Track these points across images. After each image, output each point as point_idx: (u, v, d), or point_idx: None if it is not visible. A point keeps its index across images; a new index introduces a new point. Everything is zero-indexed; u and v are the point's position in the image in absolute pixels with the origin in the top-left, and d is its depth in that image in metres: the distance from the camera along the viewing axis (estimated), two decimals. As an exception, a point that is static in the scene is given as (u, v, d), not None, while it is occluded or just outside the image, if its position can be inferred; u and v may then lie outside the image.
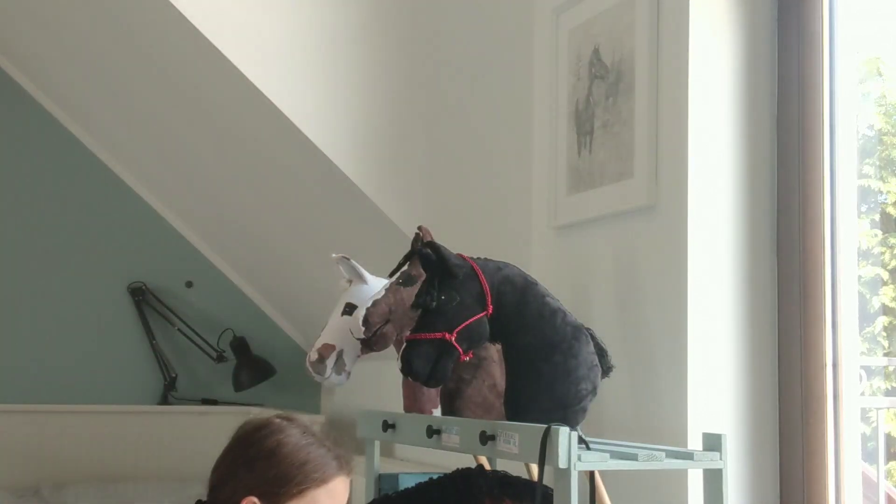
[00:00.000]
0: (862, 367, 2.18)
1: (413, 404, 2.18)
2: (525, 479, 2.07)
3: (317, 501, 1.72)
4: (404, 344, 1.94)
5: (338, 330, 2.22)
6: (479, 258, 2.02)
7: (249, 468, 1.71)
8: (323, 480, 1.73)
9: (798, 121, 2.22)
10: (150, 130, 4.37)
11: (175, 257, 4.74)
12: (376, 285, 2.25)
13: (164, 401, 4.59)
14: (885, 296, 2.51)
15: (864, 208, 2.51)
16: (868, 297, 2.41)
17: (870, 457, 2.35)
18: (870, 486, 2.33)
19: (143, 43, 3.62)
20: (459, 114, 3.25)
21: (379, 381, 3.22)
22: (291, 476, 1.69)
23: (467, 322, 1.90)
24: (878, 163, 2.56)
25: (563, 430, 1.67)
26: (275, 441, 1.72)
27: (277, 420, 1.77)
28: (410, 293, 2.12)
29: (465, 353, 1.92)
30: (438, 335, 1.90)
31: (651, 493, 2.19)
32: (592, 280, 2.48)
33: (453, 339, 1.90)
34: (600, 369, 1.99)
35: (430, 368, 1.90)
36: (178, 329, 4.62)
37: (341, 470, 1.77)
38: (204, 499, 1.81)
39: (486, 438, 1.83)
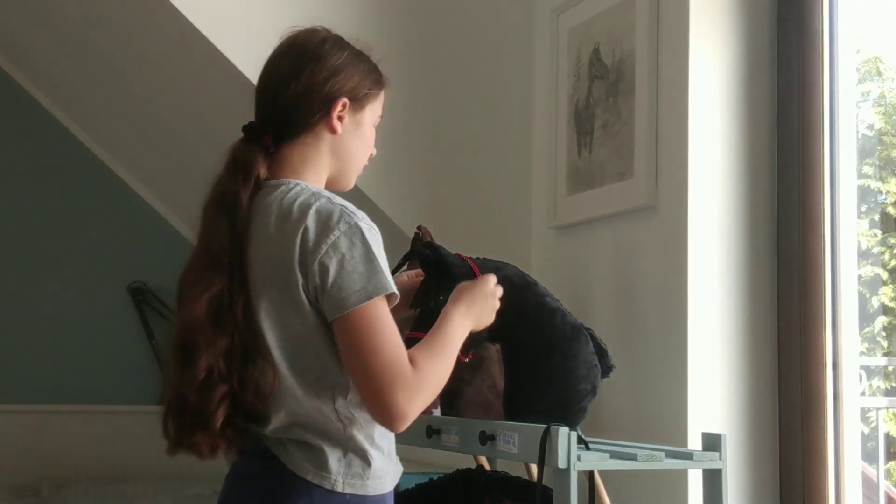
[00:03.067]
0: (862, 367, 2.18)
1: (413, 404, 2.18)
2: (525, 480, 2.07)
3: (377, 105, 1.86)
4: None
5: (337, 330, 2.21)
6: (478, 258, 2.02)
7: (332, 76, 1.80)
8: (383, 84, 1.86)
9: (798, 121, 2.21)
10: (151, 130, 4.37)
11: (175, 257, 4.67)
12: (376, 285, 2.24)
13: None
14: (884, 296, 2.51)
15: (863, 208, 2.51)
16: (868, 297, 2.41)
17: (870, 457, 2.36)
18: (870, 486, 2.33)
19: (143, 43, 3.62)
20: (459, 114, 3.24)
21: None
22: (367, 82, 1.82)
23: (467, 322, 1.89)
24: (877, 163, 2.57)
25: (563, 430, 1.67)
26: (342, 51, 1.83)
27: (324, 30, 1.87)
28: (410, 293, 2.11)
29: (465, 353, 1.91)
30: (438, 335, 1.89)
31: (651, 493, 2.19)
32: (592, 280, 2.48)
33: (452, 339, 1.89)
34: (600, 369, 1.98)
35: (430, 368, 1.89)
36: (179, 329, 4.60)
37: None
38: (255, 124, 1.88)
39: (485, 438, 1.83)
